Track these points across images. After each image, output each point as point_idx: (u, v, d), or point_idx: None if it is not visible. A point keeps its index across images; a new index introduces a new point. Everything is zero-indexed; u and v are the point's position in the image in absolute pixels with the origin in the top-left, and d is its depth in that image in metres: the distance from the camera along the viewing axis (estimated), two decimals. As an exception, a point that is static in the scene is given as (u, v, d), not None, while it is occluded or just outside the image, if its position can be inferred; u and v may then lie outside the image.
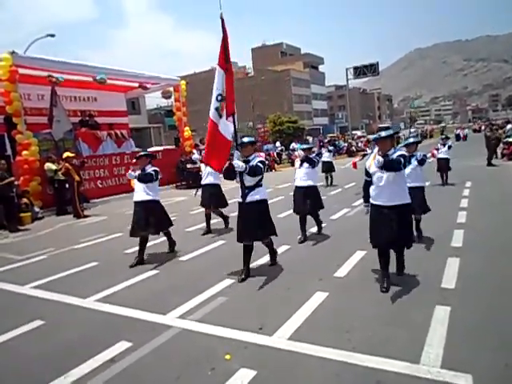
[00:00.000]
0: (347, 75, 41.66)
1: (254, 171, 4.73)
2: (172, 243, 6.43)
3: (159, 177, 5.97)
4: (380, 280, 4.36)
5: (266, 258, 5.62)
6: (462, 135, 40.32)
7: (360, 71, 42.00)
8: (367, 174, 4.88)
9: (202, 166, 7.98)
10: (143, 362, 3.15)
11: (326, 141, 15.84)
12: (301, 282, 4.66)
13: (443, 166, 11.54)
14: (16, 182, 10.38)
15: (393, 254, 4.47)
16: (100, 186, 13.87)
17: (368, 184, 4.75)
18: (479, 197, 9.19)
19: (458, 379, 2.64)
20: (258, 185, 4.84)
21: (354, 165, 9.29)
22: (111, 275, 5.42)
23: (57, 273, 5.69)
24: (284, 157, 26.45)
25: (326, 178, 13.34)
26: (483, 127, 30.24)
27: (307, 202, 6.51)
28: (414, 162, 5.92)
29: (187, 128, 17.89)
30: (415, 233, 5.67)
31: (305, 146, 7.08)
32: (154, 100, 33.66)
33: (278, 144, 28.34)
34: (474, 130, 54.49)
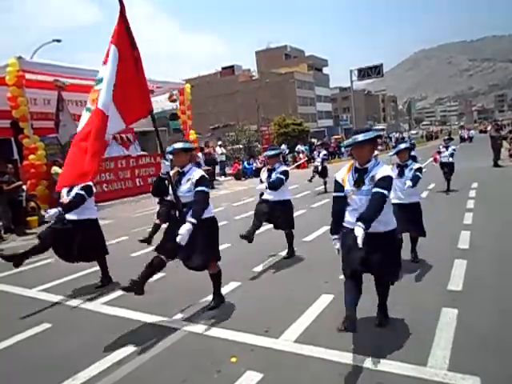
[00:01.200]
0: (351, 77, 41.57)
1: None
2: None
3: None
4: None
5: (273, 260, 5.62)
6: (466, 136, 39.34)
7: (364, 73, 41.89)
8: (337, 188, 3.35)
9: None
10: (149, 364, 3.17)
11: (318, 143, 15.03)
12: (306, 284, 4.66)
13: (447, 170, 10.75)
14: (23, 186, 10.48)
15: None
16: (106, 189, 13.95)
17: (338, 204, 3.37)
18: (486, 198, 9.13)
19: (465, 382, 2.63)
20: None
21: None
22: (118, 278, 5.44)
23: (63, 276, 5.72)
24: (289, 159, 26.51)
25: (325, 182, 12.61)
26: (489, 127, 30.04)
27: (274, 218, 5.56)
28: (408, 182, 4.88)
29: (192, 131, 17.95)
30: (410, 256, 5.15)
31: (271, 153, 5.60)
32: (158, 103, 33.71)
33: (283, 146, 28.34)
34: (481, 131, 53.35)
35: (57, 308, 4.59)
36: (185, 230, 3.58)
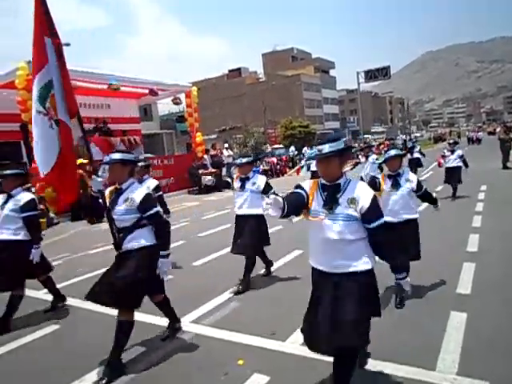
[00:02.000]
0: (358, 79, 41.47)
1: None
2: None
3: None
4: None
5: (280, 263, 5.61)
6: (475, 138, 38.74)
7: (371, 75, 41.76)
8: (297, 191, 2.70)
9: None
10: (156, 366, 3.17)
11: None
12: (313, 287, 4.64)
13: (452, 176, 9.86)
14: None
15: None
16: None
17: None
18: (494, 201, 9.04)
19: (474, 386, 2.60)
20: (140, 225, 3.22)
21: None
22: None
23: (71, 278, 5.77)
24: (297, 161, 26.54)
25: None
26: (498, 129, 29.70)
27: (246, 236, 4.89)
28: (405, 189, 4.15)
29: (199, 134, 18.03)
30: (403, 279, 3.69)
31: (243, 161, 4.84)
32: (165, 106, 33.99)
33: (292, 148, 28.34)
34: (489, 133, 52.56)
35: (64, 310, 4.62)
36: (163, 270, 3.23)
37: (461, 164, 9.85)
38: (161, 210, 3.33)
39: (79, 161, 11.70)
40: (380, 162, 4.56)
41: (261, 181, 4.85)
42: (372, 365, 2.92)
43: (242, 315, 4.03)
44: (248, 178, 4.86)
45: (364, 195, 2.34)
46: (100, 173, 3.47)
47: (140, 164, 5.65)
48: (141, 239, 3.21)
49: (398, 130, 73.61)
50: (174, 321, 3.71)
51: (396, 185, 4.17)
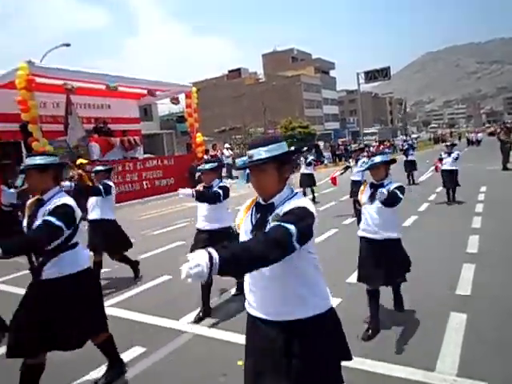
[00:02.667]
0: (358, 80, 41.49)
1: None
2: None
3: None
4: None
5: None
6: (474, 139, 38.57)
7: (371, 75, 41.76)
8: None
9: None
10: (156, 367, 3.18)
11: (303, 149, 12.79)
12: (313, 287, 4.64)
13: (450, 179, 9.34)
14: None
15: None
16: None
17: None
18: (494, 201, 9.04)
19: (474, 387, 2.60)
20: (61, 249, 2.60)
21: (334, 180, 7.87)
22: (125, 281, 5.47)
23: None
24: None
25: (304, 193, 10.81)
26: (498, 130, 29.68)
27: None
28: (384, 190, 3.28)
29: (199, 134, 18.03)
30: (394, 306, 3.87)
31: (206, 167, 4.19)
32: (166, 106, 34.04)
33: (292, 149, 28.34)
34: (490, 134, 52.25)
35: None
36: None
37: (457, 167, 9.39)
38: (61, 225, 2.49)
39: (79, 161, 11.70)
40: (363, 169, 3.43)
41: (224, 191, 4.07)
42: (372, 365, 2.92)
43: (241, 316, 4.02)
44: (211, 188, 4.13)
45: (290, 206, 1.71)
46: (17, 182, 2.92)
47: (98, 168, 5.69)
48: (57, 267, 2.58)
49: (398, 131, 73.67)
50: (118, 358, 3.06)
51: (374, 197, 3.45)
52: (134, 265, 5.57)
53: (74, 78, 13.01)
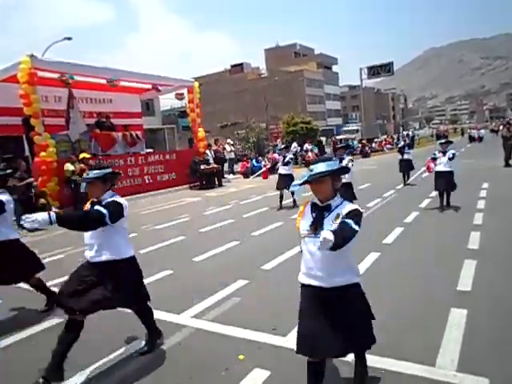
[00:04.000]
0: (361, 75, 41.36)
1: None
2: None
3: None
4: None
5: (281, 259, 5.62)
6: (476, 136, 38.10)
7: (374, 71, 41.68)
8: None
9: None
10: (157, 361, 3.19)
11: (282, 147, 11.72)
12: (314, 283, 4.65)
13: (444, 182, 8.10)
14: (34, 183, 10.61)
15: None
16: (115, 186, 14.05)
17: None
18: (496, 198, 9.02)
19: (474, 383, 2.61)
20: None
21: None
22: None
23: (73, 272, 5.78)
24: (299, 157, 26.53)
25: (281, 196, 9.89)
26: (501, 127, 29.42)
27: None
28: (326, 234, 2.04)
29: (201, 129, 18.02)
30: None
31: (89, 176, 3.21)
32: (167, 101, 34.01)
33: (294, 145, 28.31)
34: (492, 130, 51.41)
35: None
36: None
37: (451, 168, 8.14)
38: None
39: (82, 155, 11.74)
40: (298, 183, 2.40)
41: (113, 208, 3.11)
42: (372, 361, 2.92)
43: (242, 310, 4.05)
44: (100, 203, 3.13)
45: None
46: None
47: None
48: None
49: (400, 127, 73.41)
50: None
51: (318, 225, 2.32)
52: (50, 295, 4.45)
53: (76, 72, 13.00)
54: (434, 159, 8.22)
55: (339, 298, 2.36)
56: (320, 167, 2.30)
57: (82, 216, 3.12)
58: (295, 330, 3.48)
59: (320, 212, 2.37)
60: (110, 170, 3.29)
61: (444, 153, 8.16)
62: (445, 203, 8.26)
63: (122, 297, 3.18)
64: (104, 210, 3.02)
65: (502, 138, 16.35)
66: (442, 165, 8.10)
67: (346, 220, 2.21)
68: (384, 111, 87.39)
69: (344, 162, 7.32)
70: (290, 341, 3.32)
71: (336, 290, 2.36)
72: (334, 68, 76.75)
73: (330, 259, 2.32)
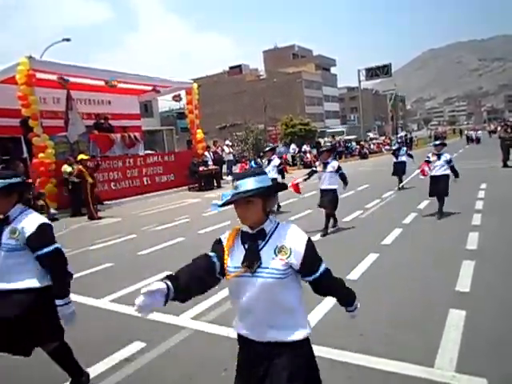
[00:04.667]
0: (359, 76, 41.44)
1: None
2: None
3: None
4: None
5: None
6: (474, 137, 37.86)
7: (372, 72, 41.76)
8: None
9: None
10: (157, 362, 3.19)
11: (267, 148, 11.08)
12: (313, 284, 4.66)
13: (437, 187, 7.60)
14: (32, 184, 10.59)
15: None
16: (114, 187, 14.05)
17: None
18: (494, 199, 9.05)
19: (473, 383, 2.62)
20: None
21: (296, 188, 6.92)
22: (126, 276, 5.49)
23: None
24: (297, 159, 26.58)
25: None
26: (499, 128, 29.43)
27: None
28: (270, 277, 1.72)
29: (199, 130, 18.02)
30: None
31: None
32: (166, 103, 34.06)
33: (293, 146, 28.35)
34: (490, 132, 50.57)
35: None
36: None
37: (448, 172, 7.64)
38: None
39: (80, 156, 11.73)
40: (219, 204, 1.84)
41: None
42: (371, 361, 2.93)
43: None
44: (7, 221, 2.64)
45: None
46: None
47: None
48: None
49: (399, 128, 73.47)
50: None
51: (255, 260, 1.75)
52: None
53: (74, 74, 13.00)
54: (429, 162, 7.73)
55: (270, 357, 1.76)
56: (248, 183, 1.71)
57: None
58: (294, 330, 3.49)
59: (253, 241, 1.77)
60: (17, 180, 2.63)
61: (438, 155, 7.65)
62: (438, 210, 7.69)
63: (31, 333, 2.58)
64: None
65: (499, 139, 16.41)
66: (437, 168, 7.61)
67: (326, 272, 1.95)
68: (382, 112, 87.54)
69: (328, 168, 7.08)
70: (289, 342, 3.33)
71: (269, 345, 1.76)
72: (333, 70, 76.94)
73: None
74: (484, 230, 6.42)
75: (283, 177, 9.95)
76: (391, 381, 2.71)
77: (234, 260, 1.79)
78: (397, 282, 4.52)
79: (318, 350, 3.12)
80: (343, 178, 7.16)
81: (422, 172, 7.75)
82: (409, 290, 4.26)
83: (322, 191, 7.18)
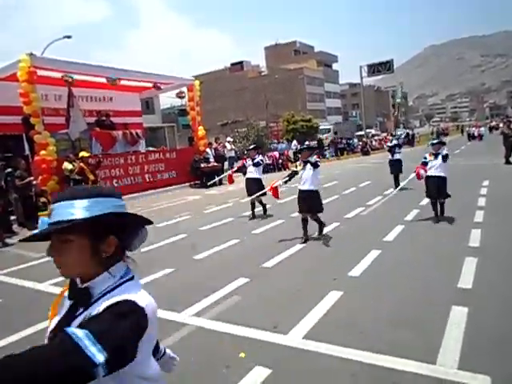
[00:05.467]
0: (361, 73, 41.28)
1: None
2: None
3: None
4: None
5: (282, 257, 5.63)
6: (476, 134, 37.10)
7: (374, 69, 41.56)
8: None
9: None
10: (159, 359, 3.20)
11: (250, 147, 9.81)
12: (315, 280, 4.66)
13: (436, 188, 7.07)
14: (34, 182, 10.60)
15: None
16: (115, 184, 14.05)
17: None
18: (497, 196, 9.02)
19: (476, 381, 2.61)
20: None
21: (275, 192, 6.60)
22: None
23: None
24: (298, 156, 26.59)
25: (252, 204, 8.65)
26: (501, 124, 29.21)
27: None
28: None
29: (201, 127, 18.00)
30: None
31: None
32: (167, 99, 34.04)
33: (294, 143, 28.32)
34: (490, 129, 49.58)
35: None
36: None
37: (444, 174, 7.15)
38: None
39: (81, 153, 11.72)
40: (38, 231, 1.14)
41: None
42: (374, 358, 2.93)
43: (243, 308, 4.05)
44: None
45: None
46: None
47: None
48: None
49: (401, 124, 73.36)
50: None
51: (63, 325, 1.12)
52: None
53: (75, 71, 12.97)
54: (425, 164, 7.15)
55: None
56: (64, 210, 1.12)
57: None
58: (296, 327, 3.50)
59: (74, 302, 1.17)
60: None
61: (436, 155, 7.13)
62: (439, 213, 7.22)
63: None
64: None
65: (502, 135, 16.34)
66: (433, 168, 7.07)
67: (70, 331, 0.96)
68: (384, 109, 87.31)
69: (308, 167, 6.30)
70: (291, 339, 3.33)
71: None
72: (334, 66, 76.70)
73: None
74: (486, 227, 6.40)
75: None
76: (394, 378, 2.71)
77: (54, 320, 1.23)
78: (399, 279, 4.51)
79: (321, 348, 3.13)
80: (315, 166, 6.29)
81: (418, 175, 7.10)
82: (411, 286, 4.26)
83: (301, 192, 6.44)
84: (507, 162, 14.84)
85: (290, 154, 26.52)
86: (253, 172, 8.82)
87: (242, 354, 3.14)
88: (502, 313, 3.52)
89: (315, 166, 6.29)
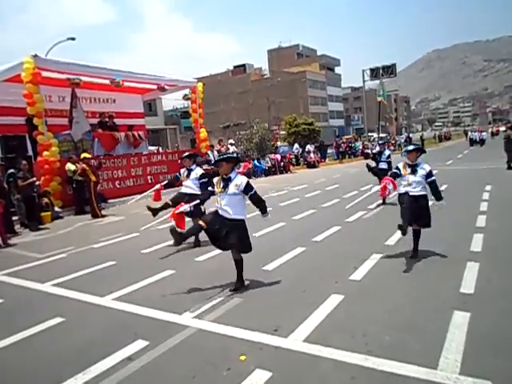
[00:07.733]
0: (364, 77, 41.33)
1: None
2: None
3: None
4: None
5: (283, 260, 5.62)
6: (478, 139, 36.46)
7: (377, 73, 41.59)
8: None
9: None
10: (159, 360, 3.19)
11: (184, 155, 7.24)
12: (316, 284, 4.65)
13: (417, 212, 5.17)
14: (37, 182, 10.63)
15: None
16: (118, 186, 14.08)
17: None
18: (499, 200, 8.99)
19: (477, 386, 2.60)
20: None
21: (177, 219, 5.06)
22: (128, 274, 5.50)
23: (76, 271, 5.79)
24: (300, 158, 26.57)
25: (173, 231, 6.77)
26: (502, 128, 28.95)
27: None
28: None
29: (203, 129, 18.04)
30: None
31: None
32: (170, 102, 34.20)
33: (296, 146, 28.33)
34: (492, 134, 48.72)
35: (69, 303, 4.65)
36: None
37: (424, 192, 5.30)
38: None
39: (83, 155, 11.76)
40: None
41: None
42: (375, 363, 2.92)
43: (244, 311, 4.04)
44: None
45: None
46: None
47: None
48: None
49: (403, 129, 73.39)
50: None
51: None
52: None
53: (79, 72, 13.03)
54: (396, 176, 5.38)
55: None
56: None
57: None
58: (297, 330, 3.49)
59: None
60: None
61: (413, 169, 5.28)
62: (413, 244, 5.37)
63: None
64: None
65: (504, 140, 16.28)
66: (411, 186, 5.25)
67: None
68: (387, 113, 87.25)
69: (231, 187, 4.53)
70: (292, 342, 3.32)
71: None
72: (337, 69, 76.81)
73: None
74: (489, 232, 6.38)
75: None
76: (394, 382, 2.70)
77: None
78: (400, 283, 4.51)
79: (322, 351, 3.12)
80: (254, 200, 4.71)
81: (382, 191, 5.31)
82: (412, 291, 4.25)
83: (223, 221, 4.60)
84: (509, 168, 14.80)
85: (292, 157, 26.58)
86: (190, 187, 6.78)
87: (243, 357, 3.13)
88: (504, 318, 3.51)
89: (246, 187, 4.56)
